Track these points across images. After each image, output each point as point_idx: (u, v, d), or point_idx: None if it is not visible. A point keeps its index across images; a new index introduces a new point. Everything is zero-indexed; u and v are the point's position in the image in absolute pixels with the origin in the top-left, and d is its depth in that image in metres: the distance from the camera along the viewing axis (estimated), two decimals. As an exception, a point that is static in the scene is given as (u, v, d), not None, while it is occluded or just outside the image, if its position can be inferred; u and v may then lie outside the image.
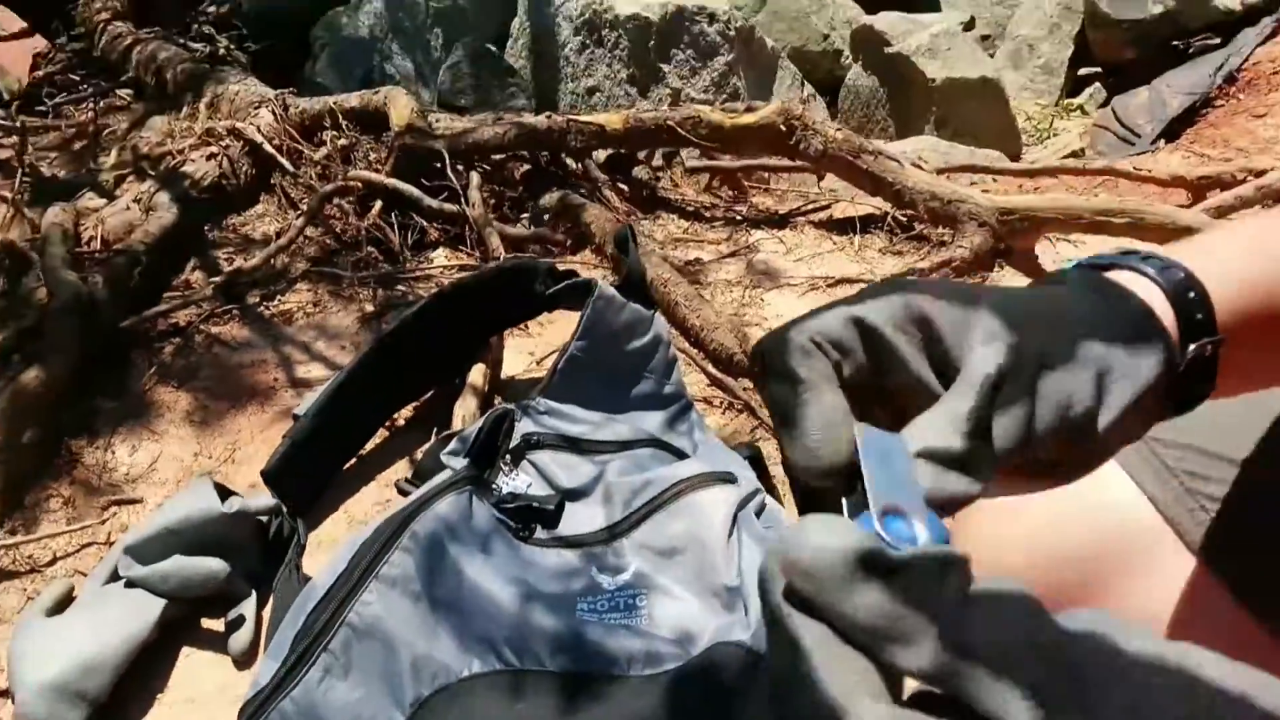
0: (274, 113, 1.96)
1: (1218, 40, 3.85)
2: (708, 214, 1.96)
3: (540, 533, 1.04)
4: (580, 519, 1.05)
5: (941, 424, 0.33)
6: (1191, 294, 0.42)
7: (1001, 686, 0.23)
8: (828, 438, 0.33)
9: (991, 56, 4.32)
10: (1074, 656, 0.24)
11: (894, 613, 0.24)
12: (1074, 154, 3.51)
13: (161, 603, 1.00)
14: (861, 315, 0.36)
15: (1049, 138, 3.90)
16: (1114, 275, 0.42)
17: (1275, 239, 0.48)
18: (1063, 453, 0.37)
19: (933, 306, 0.36)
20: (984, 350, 0.34)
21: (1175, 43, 3.96)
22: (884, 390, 0.36)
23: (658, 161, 2.10)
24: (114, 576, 1.03)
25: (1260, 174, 1.99)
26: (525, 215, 1.89)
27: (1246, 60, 3.59)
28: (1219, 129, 3.06)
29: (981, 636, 0.24)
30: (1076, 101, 4.21)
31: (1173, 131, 3.41)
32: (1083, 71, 4.35)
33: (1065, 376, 0.35)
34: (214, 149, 1.87)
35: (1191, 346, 0.41)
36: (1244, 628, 0.58)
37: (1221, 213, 1.81)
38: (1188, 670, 0.24)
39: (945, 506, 0.32)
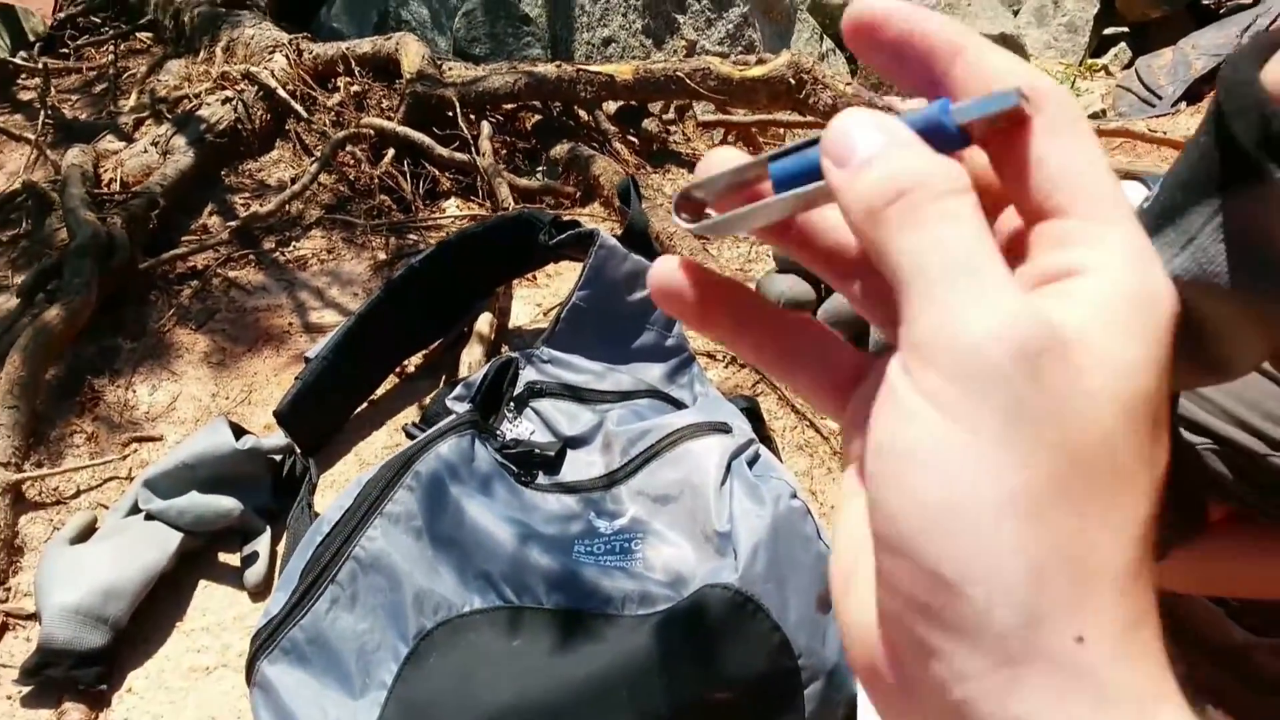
0: (288, 58, 1.98)
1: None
2: (718, 168, 1.97)
3: (541, 478, 1.07)
4: (580, 466, 1.09)
5: None
6: None
7: None
8: None
9: (1016, 14, 4.27)
10: None
11: None
12: (1096, 115, 3.48)
13: (179, 535, 1.05)
14: None
15: (1070, 96, 3.87)
16: None
17: None
18: None
19: None
20: None
21: (1205, 1, 3.90)
22: None
23: (669, 115, 2.11)
24: (134, 509, 1.08)
25: (1275, 138, 1.98)
26: (540, 168, 1.91)
27: (1276, 20, 3.54)
28: (1242, 91, 3.03)
29: None
30: (1100, 61, 4.16)
31: (1196, 93, 3.37)
32: (1108, 31, 4.29)
33: None
34: (229, 93, 1.89)
35: None
36: None
37: (1231, 177, 1.82)
38: None
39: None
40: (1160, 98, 3.36)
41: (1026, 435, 0.20)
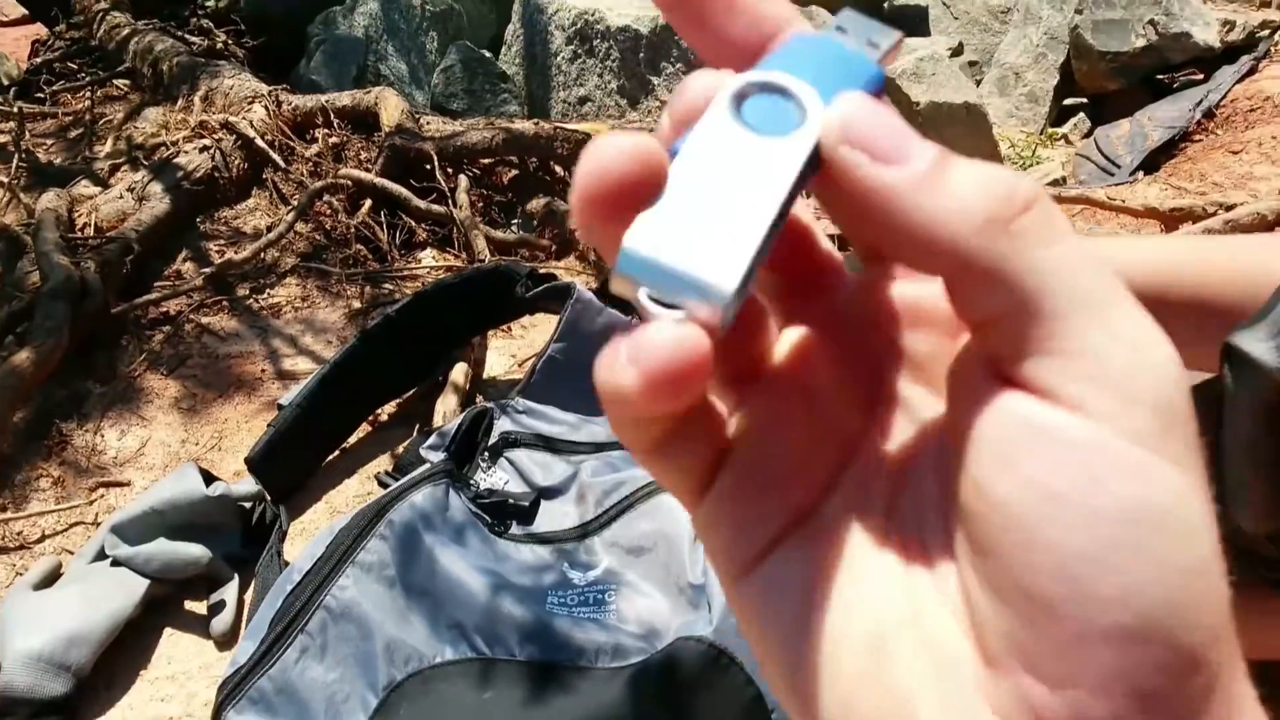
0: (267, 108, 2.00)
1: (1201, 75, 3.93)
2: (691, 226, 2.00)
3: (515, 529, 1.08)
4: (554, 517, 1.09)
5: None
6: None
7: None
8: None
9: (978, 83, 4.40)
10: None
11: None
12: (1056, 182, 3.57)
13: (146, 582, 1.03)
14: None
15: (1032, 165, 3.97)
16: None
17: (1164, 252, 0.57)
18: None
19: None
20: None
21: (1159, 76, 4.04)
22: None
23: (645, 172, 2.15)
24: (100, 555, 1.06)
25: (1230, 208, 2.05)
26: (515, 221, 1.93)
27: (1225, 97, 3.67)
28: (1196, 163, 3.13)
29: None
30: (1061, 130, 4.28)
31: (1152, 163, 3.48)
32: (1068, 101, 4.42)
33: None
34: (207, 142, 1.90)
35: None
36: None
37: (1188, 245, 1.87)
38: None
39: None
40: (1119, 166, 3.46)
41: (1201, 468, 0.18)
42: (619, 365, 0.19)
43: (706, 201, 0.19)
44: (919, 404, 0.23)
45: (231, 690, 0.88)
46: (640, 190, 0.19)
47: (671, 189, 0.20)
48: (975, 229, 0.18)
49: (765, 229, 0.19)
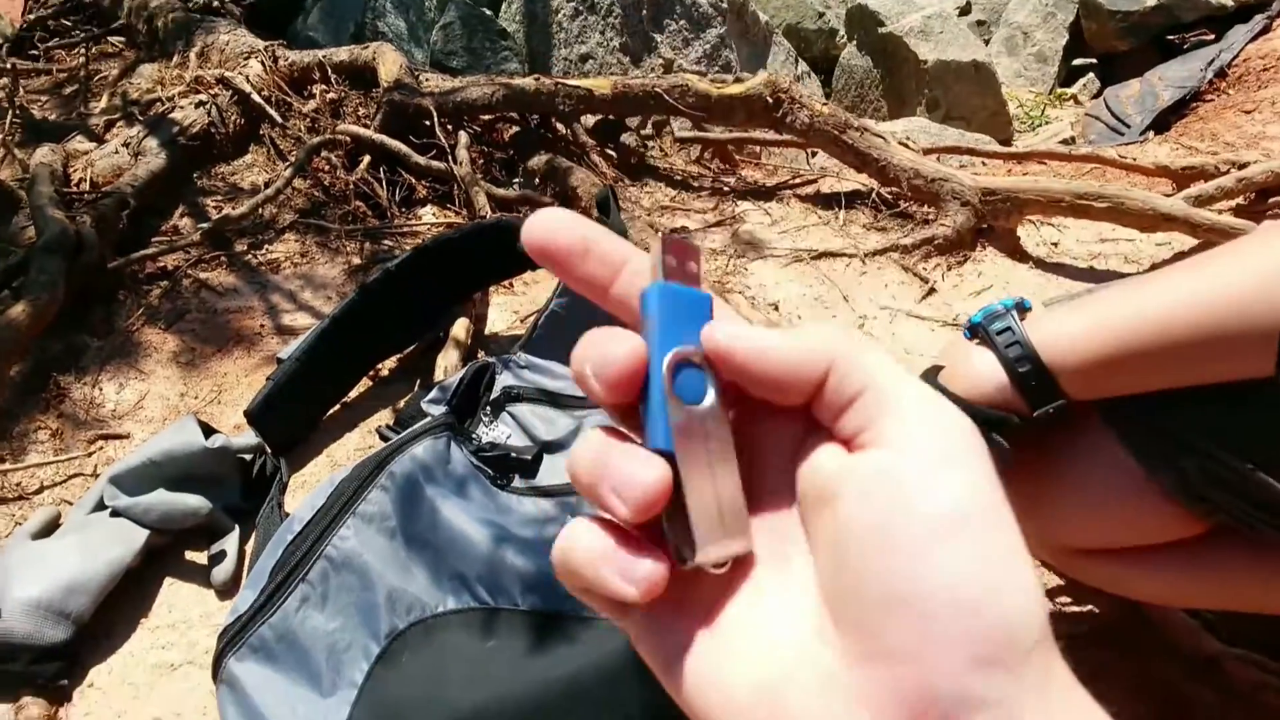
0: (263, 64, 1.97)
1: (1212, 35, 3.88)
2: (695, 184, 1.98)
3: (518, 482, 1.06)
4: (557, 470, 1.08)
5: None
6: (1027, 366, 0.65)
7: None
8: None
9: (986, 43, 4.34)
10: None
11: None
12: (1065, 142, 3.53)
13: (145, 532, 1.03)
14: None
15: (1041, 125, 3.93)
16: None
17: (1119, 310, 0.66)
18: None
19: None
20: None
21: (1170, 36, 3.99)
22: None
23: (647, 130, 2.12)
24: (100, 506, 1.05)
25: (1243, 166, 2.02)
26: (517, 180, 1.91)
27: (1237, 56, 3.62)
28: (1208, 122, 3.08)
29: None
30: (1070, 91, 4.23)
31: (1163, 123, 3.43)
32: (1077, 62, 4.37)
33: None
34: (203, 97, 1.87)
35: (1036, 413, 0.64)
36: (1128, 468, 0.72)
37: (1201, 201, 1.84)
38: None
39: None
40: (1128, 126, 3.42)
41: (997, 479, 0.26)
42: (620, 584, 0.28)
43: (712, 488, 0.28)
44: (783, 500, 0.29)
45: (233, 638, 0.88)
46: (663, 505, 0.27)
47: (690, 490, 0.27)
48: (830, 342, 0.27)
49: (739, 479, 0.29)
